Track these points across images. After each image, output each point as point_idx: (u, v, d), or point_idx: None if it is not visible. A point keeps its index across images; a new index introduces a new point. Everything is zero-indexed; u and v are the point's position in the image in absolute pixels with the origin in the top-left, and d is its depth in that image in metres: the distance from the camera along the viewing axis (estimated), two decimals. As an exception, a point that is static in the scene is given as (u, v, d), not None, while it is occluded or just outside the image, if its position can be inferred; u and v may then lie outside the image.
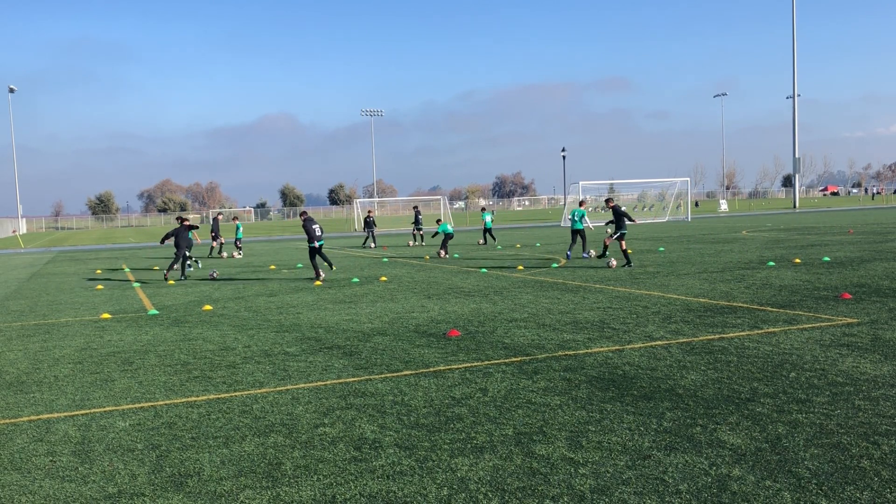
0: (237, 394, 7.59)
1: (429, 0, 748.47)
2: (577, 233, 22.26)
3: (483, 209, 31.41)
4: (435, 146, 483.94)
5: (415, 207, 35.92)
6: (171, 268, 20.54)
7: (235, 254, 30.14)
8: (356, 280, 18.42)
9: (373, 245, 33.52)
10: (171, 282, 20.05)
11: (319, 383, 7.88)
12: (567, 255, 22.24)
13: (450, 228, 26.37)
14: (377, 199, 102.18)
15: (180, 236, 20.36)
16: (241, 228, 31.53)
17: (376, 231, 35.29)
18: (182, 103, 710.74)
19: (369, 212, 35.28)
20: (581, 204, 23.44)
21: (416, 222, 34.59)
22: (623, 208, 20.78)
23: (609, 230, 20.55)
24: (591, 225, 25.20)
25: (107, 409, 7.27)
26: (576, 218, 22.36)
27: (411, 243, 34.04)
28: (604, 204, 26.61)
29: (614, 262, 19.36)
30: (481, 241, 32.48)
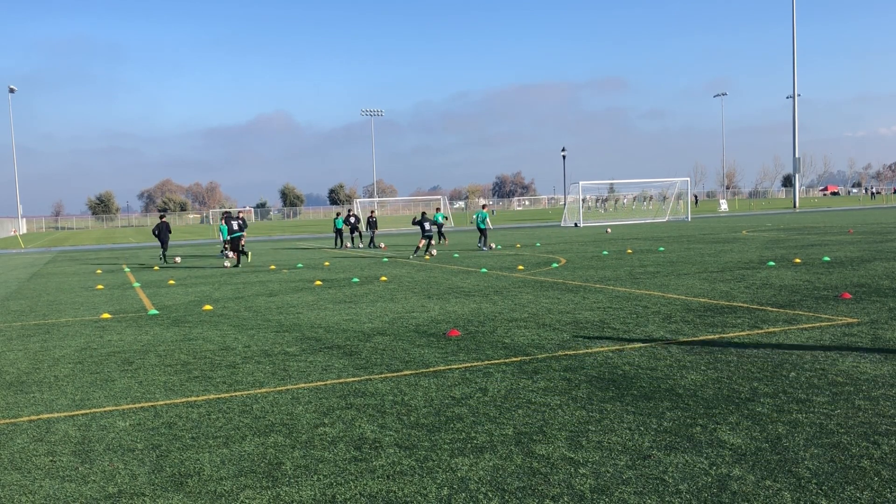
0: (237, 394, 7.60)
1: (421, 1, 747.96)
2: (482, 231, 29.08)
3: (483, 206, 31.75)
4: (432, 146, 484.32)
5: (349, 210, 36.00)
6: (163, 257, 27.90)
7: (229, 254, 29.99)
8: (356, 280, 18.43)
9: (350, 245, 33.73)
10: (172, 281, 20.06)
11: (319, 383, 7.88)
12: (482, 248, 28.64)
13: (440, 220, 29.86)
14: (377, 198, 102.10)
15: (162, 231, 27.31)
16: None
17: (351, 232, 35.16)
18: (177, 103, 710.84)
19: (371, 212, 35.43)
20: (483, 207, 30.14)
21: (348, 226, 34.43)
22: (422, 218, 26.82)
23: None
24: (491, 226, 31.87)
25: (107, 409, 7.27)
26: (478, 219, 29.24)
27: (349, 245, 34.10)
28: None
29: (434, 252, 26.74)
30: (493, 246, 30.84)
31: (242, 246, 25.07)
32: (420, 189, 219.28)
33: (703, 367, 7.82)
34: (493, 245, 29.46)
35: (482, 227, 29.15)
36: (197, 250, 36.50)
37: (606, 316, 11.42)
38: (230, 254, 29.85)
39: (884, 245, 22.51)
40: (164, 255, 28.62)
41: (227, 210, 42.51)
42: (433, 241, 27.62)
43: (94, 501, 4.99)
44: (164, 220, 28.77)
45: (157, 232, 27.87)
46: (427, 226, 26.33)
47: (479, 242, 29.38)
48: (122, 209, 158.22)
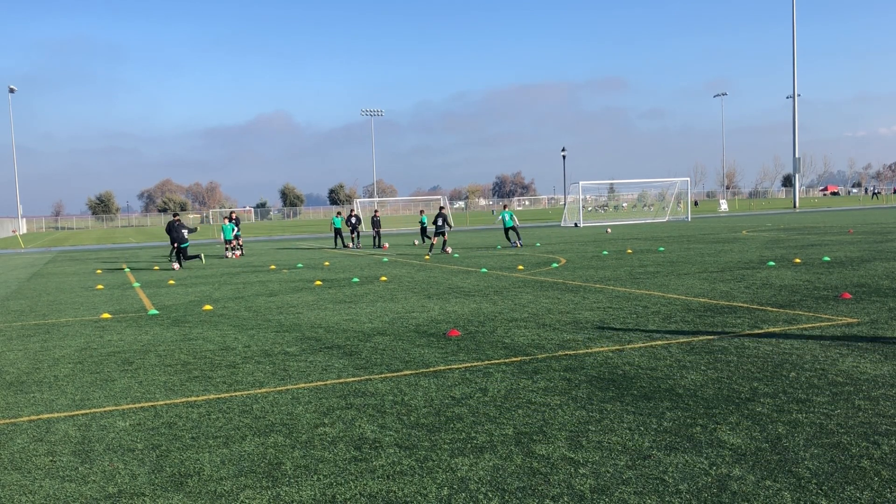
0: (237, 394, 7.60)
1: (421, 0, 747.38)
2: (508, 229, 30.04)
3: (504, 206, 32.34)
4: (432, 146, 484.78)
5: (351, 210, 36.35)
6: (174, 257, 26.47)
7: (228, 254, 30.18)
8: (356, 280, 18.43)
9: (351, 245, 33.88)
10: (172, 281, 20.06)
11: (319, 383, 7.88)
12: (513, 245, 29.47)
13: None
14: (377, 198, 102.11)
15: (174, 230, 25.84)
16: (234, 229, 30.61)
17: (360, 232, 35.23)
18: (177, 103, 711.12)
19: (375, 212, 35.49)
20: (504, 207, 31.41)
21: (349, 226, 34.75)
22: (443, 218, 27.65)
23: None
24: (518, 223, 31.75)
25: (107, 409, 7.27)
26: (506, 218, 29.86)
27: (350, 245, 34.35)
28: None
29: (449, 249, 27.67)
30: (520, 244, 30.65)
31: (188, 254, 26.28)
32: (420, 189, 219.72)
33: (703, 367, 7.82)
34: (520, 243, 29.75)
35: (510, 225, 29.67)
36: (197, 250, 36.47)
37: (606, 316, 11.41)
38: (228, 254, 29.96)
39: (884, 245, 22.51)
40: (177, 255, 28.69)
41: (232, 210, 42.73)
42: (434, 239, 28.24)
43: (94, 501, 4.99)
44: (176, 218, 28.74)
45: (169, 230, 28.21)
46: (440, 222, 27.35)
47: (515, 241, 29.88)
48: (122, 209, 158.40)
